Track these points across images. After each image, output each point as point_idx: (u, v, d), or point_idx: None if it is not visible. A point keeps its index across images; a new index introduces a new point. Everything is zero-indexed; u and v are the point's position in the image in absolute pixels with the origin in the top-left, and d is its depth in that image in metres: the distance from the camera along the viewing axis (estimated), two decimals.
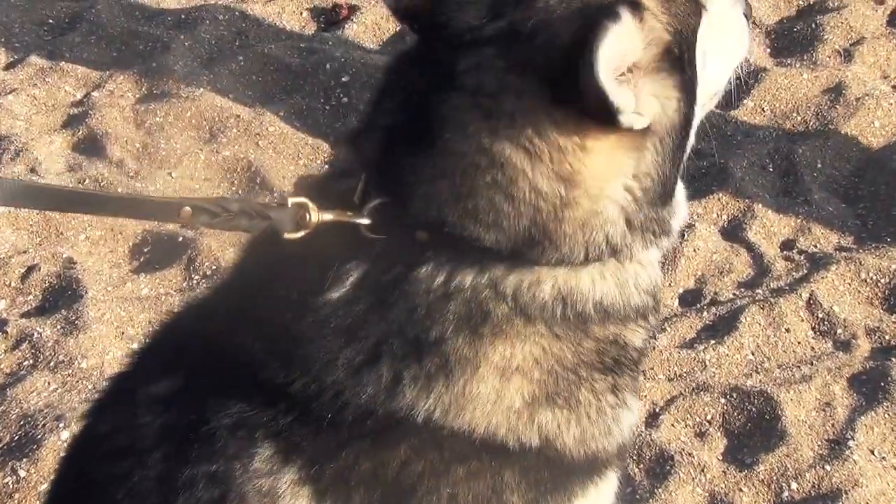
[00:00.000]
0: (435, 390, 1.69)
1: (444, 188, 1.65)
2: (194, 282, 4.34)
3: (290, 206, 1.74)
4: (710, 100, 1.93)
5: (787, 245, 4.48)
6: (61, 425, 3.60)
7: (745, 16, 1.90)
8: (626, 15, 1.52)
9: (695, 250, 4.32)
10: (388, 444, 1.70)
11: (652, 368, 3.88)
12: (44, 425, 3.61)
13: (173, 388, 1.83)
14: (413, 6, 1.71)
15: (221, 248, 4.42)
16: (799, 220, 4.51)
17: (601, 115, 1.54)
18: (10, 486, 3.46)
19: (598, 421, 1.79)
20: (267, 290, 1.80)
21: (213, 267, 4.38)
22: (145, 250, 4.56)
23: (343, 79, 5.26)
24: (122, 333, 4.11)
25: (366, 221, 1.71)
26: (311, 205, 1.73)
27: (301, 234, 1.74)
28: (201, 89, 5.21)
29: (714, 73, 1.81)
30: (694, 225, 4.36)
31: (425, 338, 1.68)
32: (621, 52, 1.53)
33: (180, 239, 4.51)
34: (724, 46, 1.83)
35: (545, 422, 1.73)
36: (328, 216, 1.73)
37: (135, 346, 3.98)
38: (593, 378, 1.77)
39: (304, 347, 1.72)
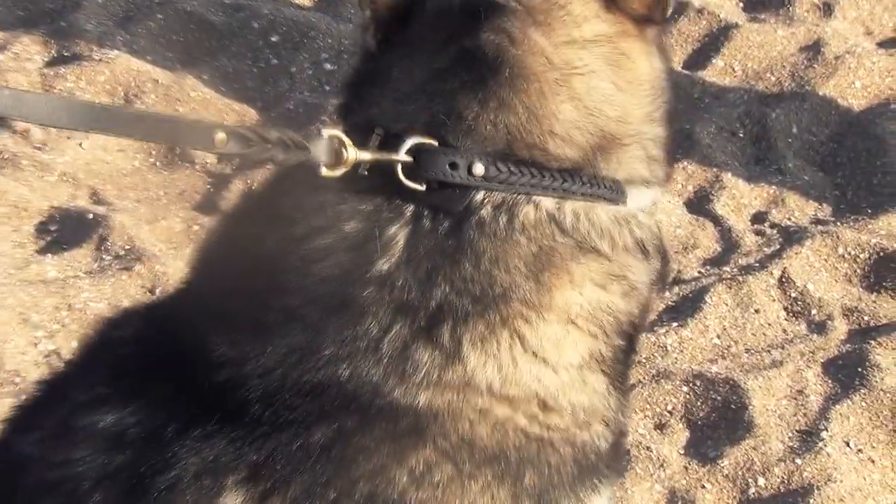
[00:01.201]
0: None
1: (513, 111, 1.68)
2: (105, 263, 4.26)
3: (326, 138, 1.70)
4: None
5: (758, 218, 4.46)
6: None
7: None
8: None
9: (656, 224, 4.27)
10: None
11: None
12: None
13: (125, 413, 1.73)
14: None
15: (136, 226, 4.35)
16: (771, 191, 4.49)
17: (657, 12, 1.74)
18: None
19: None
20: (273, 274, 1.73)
21: (127, 247, 4.29)
22: (52, 228, 4.47)
23: (272, 38, 5.21)
24: (26, 320, 4.02)
25: (407, 159, 1.68)
26: (347, 140, 1.69)
27: (339, 172, 1.70)
28: (116, 51, 5.13)
29: None
30: None
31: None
32: None
33: (90, 216, 4.43)
34: None
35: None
36: (366, 154, 1.69)
37: (39, 333, 3.91)
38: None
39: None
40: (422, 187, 1.68)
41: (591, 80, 1.71)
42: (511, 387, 1.67)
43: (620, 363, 1.81)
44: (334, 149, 1.70)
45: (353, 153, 1.69)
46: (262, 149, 1.72)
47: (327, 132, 1.71)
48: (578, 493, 1.76)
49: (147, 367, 1.76)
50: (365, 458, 1.61)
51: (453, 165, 1.67)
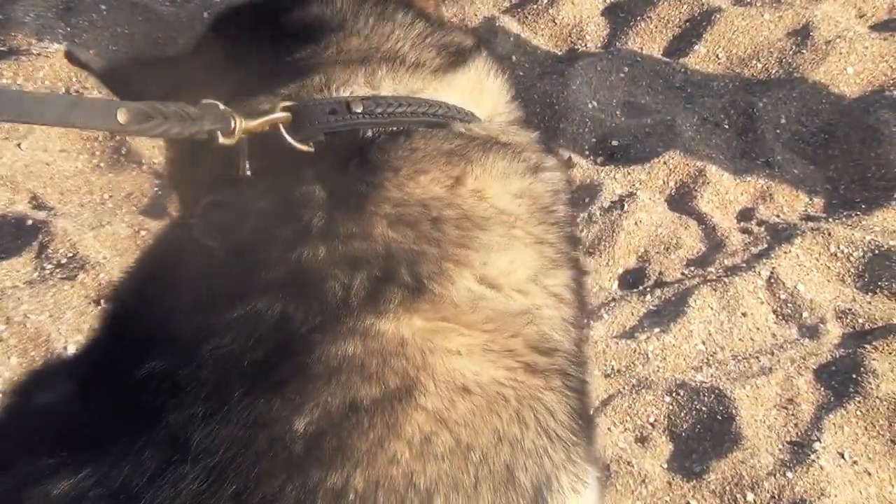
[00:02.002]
0: None
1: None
2: (47, 272, 4.23)
3: (220, 109, 1.88)
4: None
5: (744, 215, 4.46)
6: None
7: None
8: None
9: (636, 223, 4.27)
10: None
11: None
12: None
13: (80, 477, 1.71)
14: None
15: (79, 232, 4.31)
16: (759, 185, 4.49)
17: None
18: None
19: None
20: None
21: (70, 254, 4.26)
22: None
23: None
24: None
25: (285, 115, 1.89)
26: (233, 112, 1.88)
27: (233, 140, 1.88)
28: (56, 44, 5.09)
29: None
30: (635, 193, 4.30)
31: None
32: None
33: (30, 222, 4.40)
34: None
35: None
36: (253, 123, 1.88)
37: None
38: None
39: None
40: (310, 147, 1.87)
41: None
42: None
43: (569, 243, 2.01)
44: (226, 118, 1.87)
45: (240, 122, 1.87)
46: (161, 122, 1.86)
47: (219, 104, 1.89)
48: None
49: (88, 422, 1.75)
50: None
51: (333, 112, 1.90)
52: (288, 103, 1.93)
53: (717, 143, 4.66)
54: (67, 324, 3.98)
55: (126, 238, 4.43)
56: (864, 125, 4.64)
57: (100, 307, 4.06)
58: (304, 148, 1.89)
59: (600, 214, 4.28)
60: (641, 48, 5.12)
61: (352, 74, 2.00)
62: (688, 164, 4.52)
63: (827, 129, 4.72)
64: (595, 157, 4.64)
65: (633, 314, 4.05)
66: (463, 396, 1.73)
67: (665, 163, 4.53)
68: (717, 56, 4.97)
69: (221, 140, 1.88)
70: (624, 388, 3.77)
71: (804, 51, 4.89)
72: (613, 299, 4.11)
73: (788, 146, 4.67)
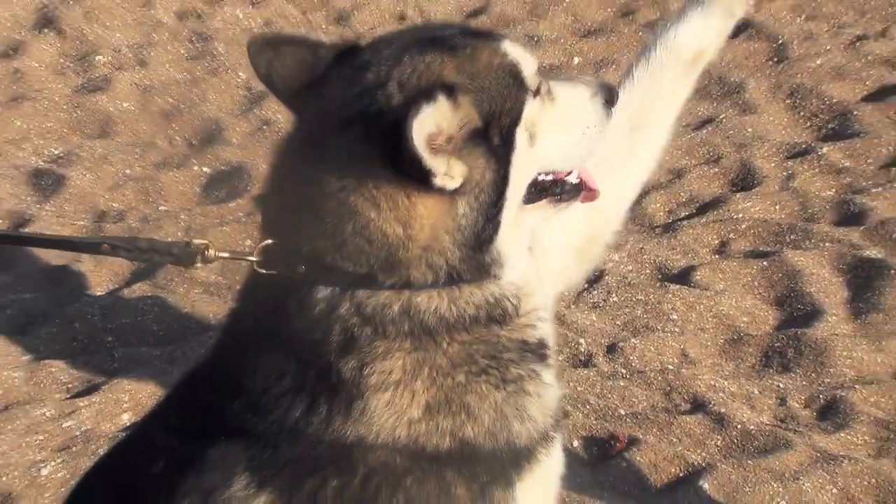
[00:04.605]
0: (350, 414, 2.40)
1: (318, 231, 2.43)
2: None
3: (194, 246, 2.58)
4: (555, 165, 2.59)
5: None
6: None
7: (608, 104, 2.59)
8: (440, 97, 2.29)
9: None
10: (347, 467, 2.42)
11: None
12: None
13: (179, 432, 2.58)
14: (280, 82, 2.57)
15: None
16: None
17: (422, 176, 2.30)
18: None
19: (503, 416, 2.50)
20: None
21: None
22: None
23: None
24: None
25: (254, 259, 2.49)
26: (210, 244, 2.58)
27: (204, 265, 2.58)
28: None
29: (546, 151, 2.53)
30: None
31: (328, 365, 2.42)
32: (435, 126, 2.29)
33: None
34: (565, 130, 2.57)
35: (449, 424, 2.45)
36: (224, 254, 2.56)
37: None
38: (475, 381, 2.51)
39: (252, 392, 2.50)
40: (271, 271, 2.50)
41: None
42: (377, 438, 2.47)
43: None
44: (199, 251, 2.59)
45: (213, 253, 2.57)
46: (140, 253, 2.69)
47: (196, 242, 2.62)
48: None
49: None
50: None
51: (286, 265, 2.49)
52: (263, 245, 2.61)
53: None
54: None
55: None
56: None
57: None
58: (263, 271, 2.57)
59: None
60: None
61: None
62: None
63: None
64: None
65: None
66: None
67: None
68: None
69: (191, 267, 2.63)
70: None
71: None
72: None
73: None
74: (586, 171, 2.64)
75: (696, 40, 2.87)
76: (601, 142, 2.64)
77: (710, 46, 2.87)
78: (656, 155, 2.91)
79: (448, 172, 2.34)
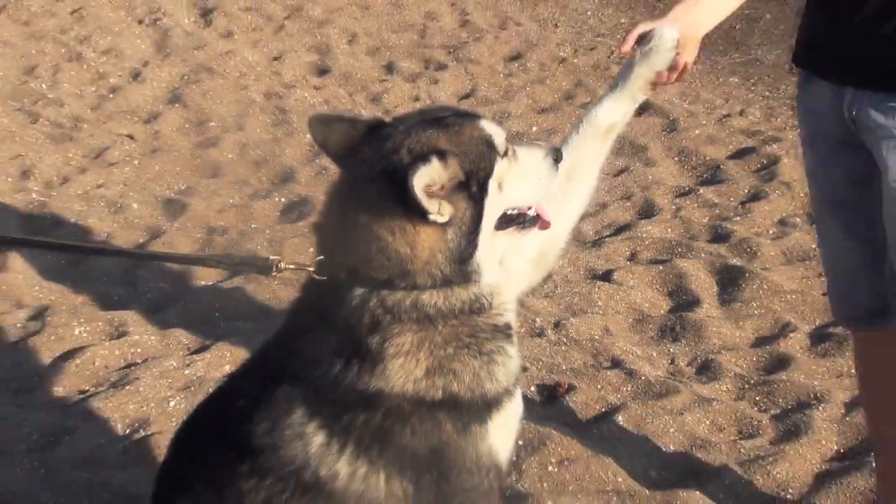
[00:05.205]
0: (374, 373, 2.42)
1: (354, 250, 2.46)
2: None
3: (271, 261, 2.62)
4: (516, 204, 2.60)
5: None
6: None
7: (555, 156, 2.61)
8: (434, 159, 2.35)
9: None
10: (370, 406, 2.44)
11: None
12: None
13: (258, 379, 2.59)
14: (331, 147, 2.59)
15: None
16: None
17: (422, 214, 2.36)
18: None
19: (478, 376, 2.52)
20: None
21: None
22: None
23: None
24: None
25: (311, 269, 2.52)
26: (282, 259, 2.64)
27: (278, 274, 2.63)
28: None
29: (511, 195, 2.54)
30: None
31: (360, 340, 2.43)
32: (430, 180, 2.34)
33: None
34: (525, 182, 2.57)
35: (441, 382, 2.48)
36: (291, 266, 2.60)
37: None
38: (460, 352, 2.51)
39: (307, 355, 2.51)
40: (322, 277, 2.49)
41: None
42: (395, 390, 2.46)
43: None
44: (274, 264, 2.60)
45: (284, 265, 2.60)
46: (234, 266, 3.22)
47: (272, 257, 2.65)
48: None
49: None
50: None
51: (332, 273, 2.50)
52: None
53: None
54: None
55: None
56: None
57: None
58: (319, 278, 2.55)
59: None
60: None
61: None
62: None
63: None
64: None
65: None
66: None
67: None
68: None
69: (273, 273, 2.61)
70: None
71: None
72: None
73: None
74: (541, 206, 2.62)
75: (611, 118, 2.83)
76: (551, 187, 2.64)
77: (620, 121, 2.83)
78: (587, 196, 2.89)
79: (440, 211, 2.38)
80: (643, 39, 2.73)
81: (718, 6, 2.82)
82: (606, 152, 2.86)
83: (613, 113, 2.82)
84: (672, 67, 2.74)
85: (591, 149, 2.84)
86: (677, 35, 2.72)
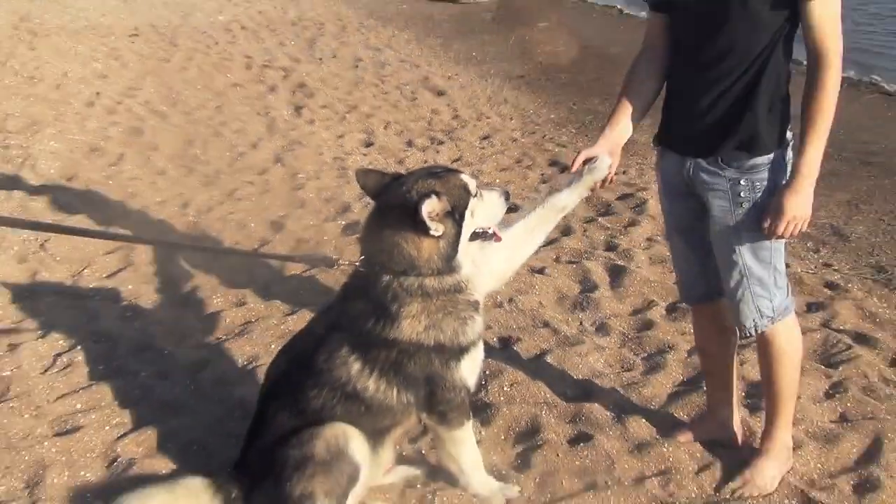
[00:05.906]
0: (393, 327, 2.50)
1: (383, 252, 2.52)
2: None
3: (333, 258, 2.67)
4: (482, 225, 2.63)
5: None
6: None
7: (506, 196, 2.65)
8: (434, 197, 2.45)
9: None
10: (389, 347, 2.52)
11: None
12: None
13: (320, 328, 2.66)
14: (369, 189, 2.62)
15: None
16: None
17: (425, 230, 2.45)
18: None
19: (456, 331, 2.60)
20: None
21: None
22: None
23: None
24: None
25: (357, 264, 2.57)
26: (341, 257, 2.72)
27: (339, 267, 2.65)
28: None
29: (479, 219, 2.60)
30: None
31: (385, 307, 2.51)
32: (431, 209, 2.44)
33: None
34: (488, 212, 2.62)
35: (433, 334, 2.55)
36: (346, 262, 2.62)
37: None
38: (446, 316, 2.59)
39: (351, 314, 2.58)
40: (363, 269, 2.55)
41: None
42: (407, 337, 2.56)
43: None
44: (335, 260, 2.64)
45: (341, 261, 2.63)
46: (313, 262, 3.42)
47: (334, 256, 2.72)
48: None
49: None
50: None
51: (369, 267, 2.56)
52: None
53: None
54: None
55: None
56: None
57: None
58: (362, 269, 2.61)
59: None
60: None
61: None
62: None
63: None
64: None
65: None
66: None
67: None
68: None
69: (337, 267, 2.63)
70: None
71: None
72: None
73: None
74: (496, 228, 2.67)
75: (563, 203, 2.87)
76: (501, 215, 2.68)
77: (569, 206, 2.88)
78: (538, 245, 2.91)
79: (436, 229, 2.45)
80: (588, 161, 2.79)
81: (627, 127, 2.86)
82: (555, 223, 2.93)
83: (566, 201, 2.86)
84: (604, 179, 2.83)
85: (546, 220, 2.87)
86: (610, 161, 2.80)
